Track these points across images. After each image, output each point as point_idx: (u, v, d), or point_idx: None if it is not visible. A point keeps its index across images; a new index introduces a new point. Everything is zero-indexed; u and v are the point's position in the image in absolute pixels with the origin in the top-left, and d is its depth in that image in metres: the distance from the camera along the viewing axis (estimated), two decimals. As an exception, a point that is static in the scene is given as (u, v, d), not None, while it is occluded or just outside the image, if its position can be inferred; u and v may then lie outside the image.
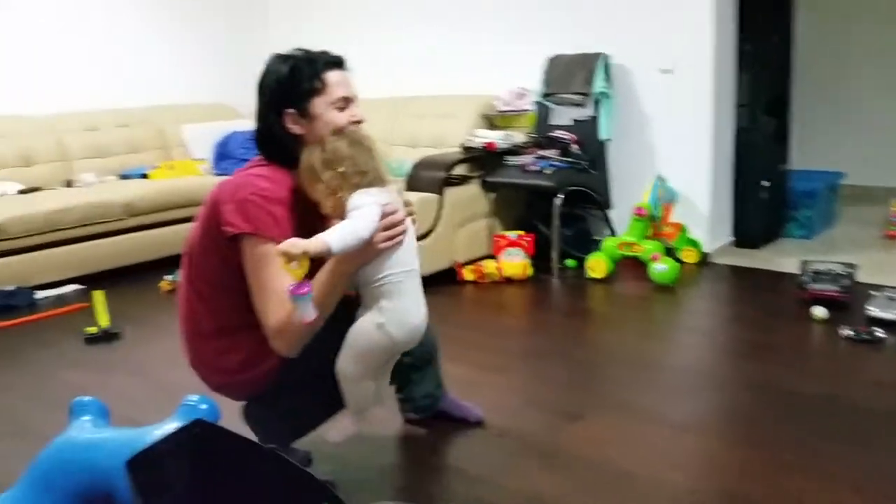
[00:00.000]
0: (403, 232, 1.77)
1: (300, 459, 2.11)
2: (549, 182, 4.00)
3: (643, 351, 2.96)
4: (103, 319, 3.37)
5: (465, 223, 4.15)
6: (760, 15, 5.00)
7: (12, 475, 2.04)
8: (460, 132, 4.52)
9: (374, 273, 1.76)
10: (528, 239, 4.11)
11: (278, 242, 1.64)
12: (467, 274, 4.01)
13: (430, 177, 4.03)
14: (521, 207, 4.48)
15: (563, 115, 4.32)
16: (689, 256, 4.14)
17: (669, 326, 3.33)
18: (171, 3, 5.63)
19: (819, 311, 3.16)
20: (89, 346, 3.27)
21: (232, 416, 2.01)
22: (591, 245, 4.34)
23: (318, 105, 1.83)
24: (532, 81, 4.52)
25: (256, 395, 1.95)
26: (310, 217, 1.81)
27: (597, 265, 3.93)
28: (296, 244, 1.58)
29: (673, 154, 4.22)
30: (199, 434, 1.41)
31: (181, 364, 2.97)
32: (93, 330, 3.33)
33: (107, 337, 3.33)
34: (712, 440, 2.23)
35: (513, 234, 4.13)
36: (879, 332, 2.89)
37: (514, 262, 4.02)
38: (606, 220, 4.36)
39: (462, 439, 2.29)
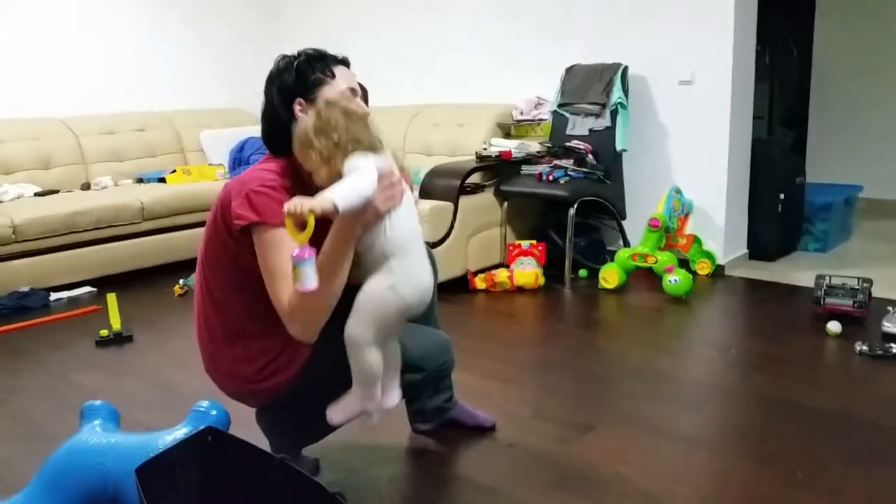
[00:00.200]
0: (402, 192, 1.75)
1: (309, 467, 2.11)
2: (563, 192, 3.99)
3: (655, 363, 2.94)
4: (116, 322, 3.39)
5: (479, 231, 4.15)
6: (780, 27, 4.99)
7: (24, 476, 2.05)
8: (476, 141, 4.53)
9: (378, 236, 1.74)
10: (541, 248, 4.11)
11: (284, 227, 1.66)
12: (479, 282, 4.00)
13: (444, 185, 4.03)
14: (534, 216, 4.47)
15: (580, 125, 4.31)
16: (703, 268, 4.11)
17: (682, 339, 3.31)
18: (191, 9, 5.67)
19: (834, 326, 3.13)
20: (101, 349, 3.29)
21: (242, 422, 2.02)
22: (605, 255, 4.33)
23: (326, 94, 1.84)
24: (549, 91, 4.52)
25: (271, 404, 1.95)
26: None
27: (610, 276, 3.92)
28: (302, 202, 1.54)
29: (689, 165, 4.21)
30: (210, 442, 1.41)
31: (192, 368, 2.99)
32: (105, 333, 3.35)
33: (119, 340, 3.34)
34: (724, 455, 2.21)
35: (526, 244, 4.12)
36: (895, 349, 2.86)
37: (527, 272, 4.01)
38: (620, 231, 4.34)
39: (472, 449, 2.28)
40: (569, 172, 4.09)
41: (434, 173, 4.12)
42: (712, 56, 4.02)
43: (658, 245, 3.91)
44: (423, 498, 2.08)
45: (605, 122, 4.22)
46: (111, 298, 3.43)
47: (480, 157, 4.19)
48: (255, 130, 5.58)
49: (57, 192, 4.55)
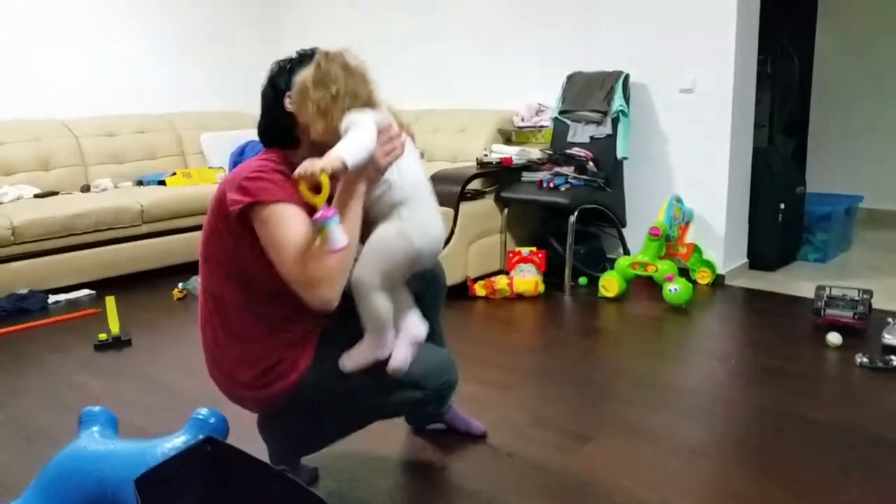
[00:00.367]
0: (402, 144, 1.76)
1: (308, 475, 2.11)
2: (564, 199, 3.99)
3: (655, 372, 2.94)
4: (114, 326, 3.38)
5: (479, 238, 4.14)
6: (781, 36, 5.00)
7: (22, 480, 2.04)
8: (476, 147, 4.53)
9: (384, 188, 1.75)
10: (541, 255, 4.10)
11: (282, 202, 1.68)
12: (479, 289, 3.99)
13: (444, 191, 4.01)
14: (535, 223, 4.47)
15: (581, 133, 4.31)
16: (703, 277, 4.11)
17: (682, 348, 3.30)
18: (192, 11, 5.67)
19: (834, 338, 3.13)
20: (100, 353, 3.28)
21: (242, 430, 2.01)
22: (605, 263, 4.33)
23: None
24: (550, 98, 4.52)
25: (271, 411, 1.95)
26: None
27: (610, 284, 3.91)
28: (312, 163, 1.55)
29: (689, 174, 4.21)
30: (209, 452, 1.40)
31: (190, 372, 2.99)
32: (103, 337, 3.34)
33: (117, 344, 3.33)
34: (723, 466, 2.21)
35: (526, 251, 4.12)
36: (895, 361, 2.86)
37: (527, 279, 4.01)
38: (620, 239, 4.34)
39: (470, 458, 2.28)
40: (569, 180, 4.09)
41: (434, 179, 4.08)
42: (714, 64, 4.02)
43: (658, 254, 3.91)
44: (422, 507, 2.08)
45: (606, 129, 4.22)
46: (110, 301, 3.41)
47: (481, 164, 4.19)
48: (255, 133, 5.59)
49: (56, 193, 4.54)
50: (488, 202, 4.21)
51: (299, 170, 1.56)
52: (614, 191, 4.22)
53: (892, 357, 2.88)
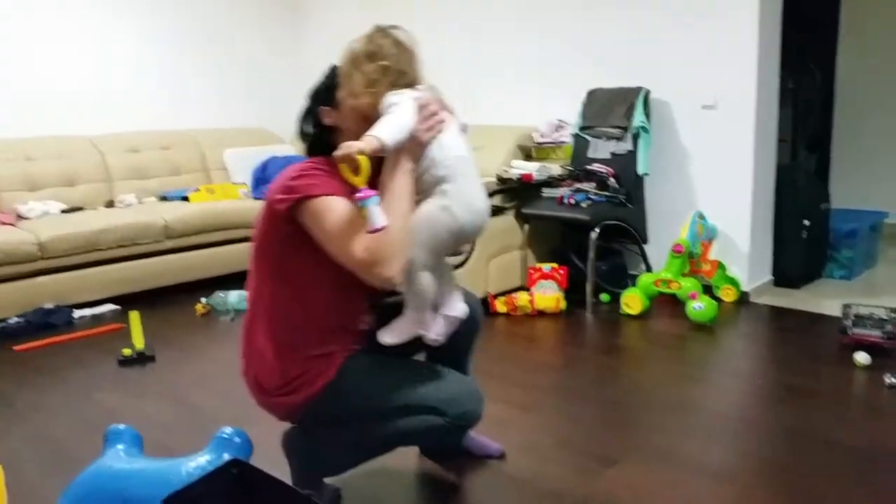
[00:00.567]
0: (442, 120, 1.78)
1: (330, 496, 2.10)
2: (585, 215, 3.97)
3: (679, 392, 2.91)
4: (138, 341, 3.41)
5: (499, 254, 4.14)
6: (803, 51, 4.96)
7: (45, 498, 2.06)
8: (496, 163, 4.52)
9: (427, 164, 1.77)
10: (562, 272, 4.09)
11: (329, 195, 1.71)
12: (499, 306, 3.98)
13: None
14: (555, 240, 4.45)
15: (602, 149, 4.30)
16: (728, 295, 4.07)
17: (706, 367, 3.27)
18: (217, 29, 5.74)
19: (861, 357, 3.09)
20: (124, 368, 3.31)
21: (266, 450, 2.01)
22: (627, 280, 4.30)
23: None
24: (570, 114, 4.52)
25: (293, 419, 1.97)
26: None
27: (632, 301, 3.89)
28: (350, 145, 1.61)
29: (712, 190, 4.18)
30: (235, 475, 1.40)
31: (213, 389, 3.01)
32: (127, 352, 3.36)
33: (141, 359, 3.36)
34: (750, 490, 2.17)
35: (546, 267, 4.10)
36: (925, 382, 2.82)
37: (548, 295, 3.99)
38: (642, 256, 4.32)
39: (492, 481, 2.26)
40: (590, 196, 4.08)
41: (455, 195, 4.11)
42: (736, 80, 4.00)
43: (682, 271, 3.88)
44: (445, 529, 2.06)
45: (626, 145, 4.21)
46: (134, 317, 3.45)
47: (501, 180, 4.19)
48: (279, 150, 5.68)
49: (82, 209, 4.60)
50: (508, 218, 4.20)
51: (338, 152, 1.62)
52: (635, 207, 4.20)
53: (922, 378, 2.84)
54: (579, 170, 4.27)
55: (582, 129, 4.39)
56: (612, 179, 4.14)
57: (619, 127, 4.23)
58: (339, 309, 1.90)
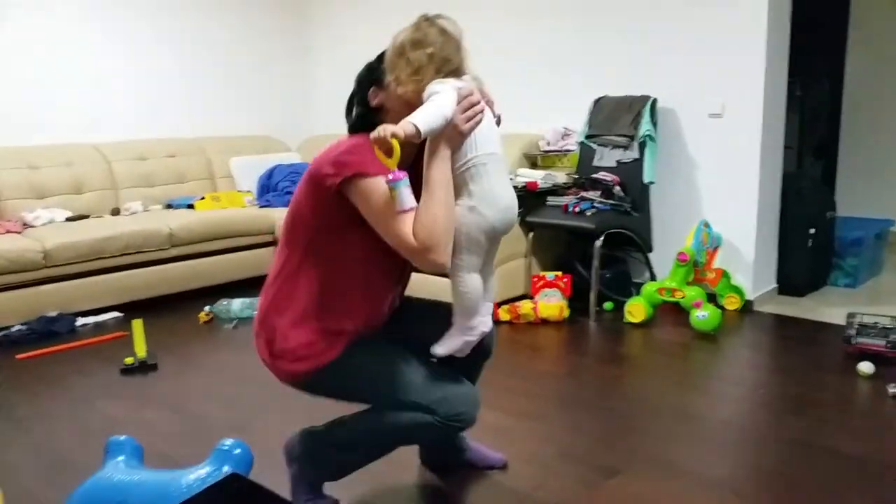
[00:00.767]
0: (482, 112, 1.80)
1: (330, 506, 2.09)
2: (590, 224, 3.96)
3: (682, 402, 2.90)
4: (140, 350, 3.41)
5: (503, 262, 4.13)
6: (812, 59, 4.95)
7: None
8: (501, 170, 4.52)
9: (460, 158, 1.79)
10: (566, 280, 4.08)
11: (382, 175, 1.72)
12: (503, 314, 3.98)
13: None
14: (560, 248, 4.45)
15: (607, 157, 4.30)
16: (732, 303, 4.06)
17: (710, 377, 3.25)
18: (223, 38, 5.76)
19: (865, 367, 3.07)
20: (126, 377, 3.31)
21: (266, 462, 2.01)
22: (631, 288, 4.29)
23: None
24: (576, 122, 4.51)
25: (294, 385, 1.97)
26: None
27: (636, 309, 3.88)
28: (385, 128, 1.64)
29: (718, 199, 4.17)
30: (235, 489, 1.40)
31: (215, 398, 3.01)
32: (130, 360, 3.37)
33: (143, 368, 3.36)
34: (754, 501, 2.16)
35: (551, 275, 4.10)
36: (931, 393, 2.80)
37: (551, 304, 3.98)
38: (647, 264, 4.31)
39: (494, 493, 2.25)
40: (595, 204, 4.07)
41: (459, 204, 4.11)
42: (743, 89, 3.99)
43: (686, 279, 3.87)
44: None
45: (633, 153, 4.20)
46: (137, 325, 3.45)
47: (508, 187, 4.18)
48: (284, 157, 5.69)
49: (87, 216, 4.61)
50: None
51: (374, 133, 1.66)
52: (641, 215, 4.19)
53: (928, 389, 2.82)
54: (585, 178, 4.26)
55: (588, 137, 4.39)
56: (617, 188, 4.13)
57: (625, 135, 4.22)
58: (366, 289, 1.92)
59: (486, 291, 1.94)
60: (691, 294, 3.76)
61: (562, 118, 4.65)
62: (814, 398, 2.89)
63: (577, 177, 4.33)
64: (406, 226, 1.72)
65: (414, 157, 1.87)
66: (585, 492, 2.21)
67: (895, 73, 5.70)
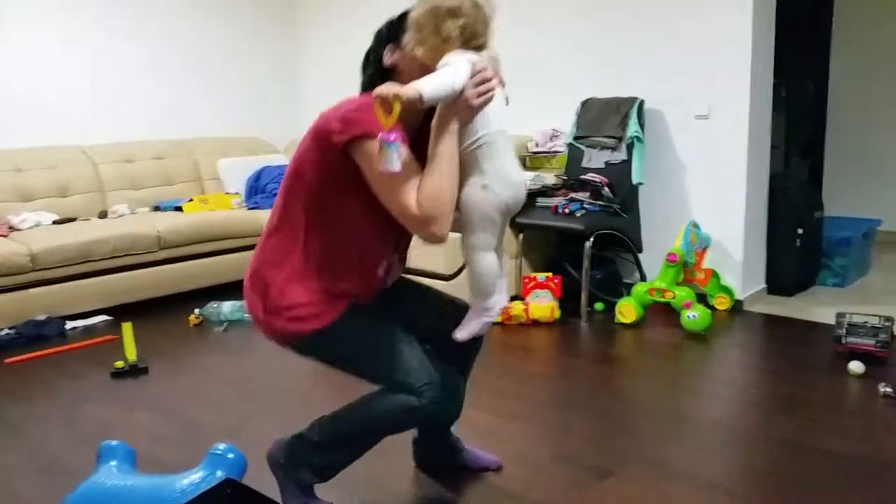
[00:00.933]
0: (493, 89, 1.78)
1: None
2: (579, 225, 3.97)
3: (674, 403, 2.91)
4: (131, 353, 3.39)
5: (494, 264, 4.12)
6: (797, 59, 4.98)
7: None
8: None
9: (470, 134, 1.78)
10: (557, 281, 4.08)
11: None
12: (495, 315, 3.97)
13: (458, 217, 4.01)
14: (550, 249, 4.45)
15: (596, 158, 4.31)
16: (722, 303, 4.08)
17: (701, 377, 3.27)
18: (211, 39, 5.73)
19: (855, 366, 3.09)
20: (116, 380, 3.29)
21: (261, 466, 2.00)
22: (621, 289, 4.30)
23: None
24: (564, 123, 4.52)
25: (280, 343, 1.96)
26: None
27: (627, 310, 3.89)
28: (390, 87, 1.63)
29: (706, 199, 4.19)
30: (229, 495, 1.39)
31: (206, 401, 3.00)
32: (120, 364, 3.35)
33: (134, 371, 3.34)
34: (746, 501, 2.17)
35: (541, 276, 4.10)
36: (919, 392, 2.82)
37: (542, 305, 3.99)
38: (637, 264, 4.32)
39: (486, 494, 2.25)
40: (585, 205, 4.08)
41: (450, 205, 4.11)
42: (729, 90, 4.02)
43: (676, 280, 3.88)
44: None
45: (621, 155, 4.22)
46: (126, 328, 3.43)
47: (497, 189, 4.18)
48: (273, 159, 5.66)
49: (74, 220, 4.58)
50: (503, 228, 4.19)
51: (378, 90, 1.63)
52: (630, 216, 4.21)
53: (916, 387, 2.84)
54: (574, 179, 4.27)
55: (576, 138, 4.40)
56: (606, 189, 4.14)
57: (613, 137, 4.23)
58: (367, 248, 1.92)
59: (500, 269, 1.94)
60: (681, 294, 3.78)
61: (550, 119, 4.65)
62: (805, 398, 2.91)
63: (565, 178, 4.34)
64: (409, 195, 1.71)
65: (420, 127, 1.87)
66: (577, 493, 2.22)
67: (880, 73, 5.75)
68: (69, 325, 4.01)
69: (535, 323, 3.96)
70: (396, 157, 1.65)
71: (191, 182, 5.33)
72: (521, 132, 4.73)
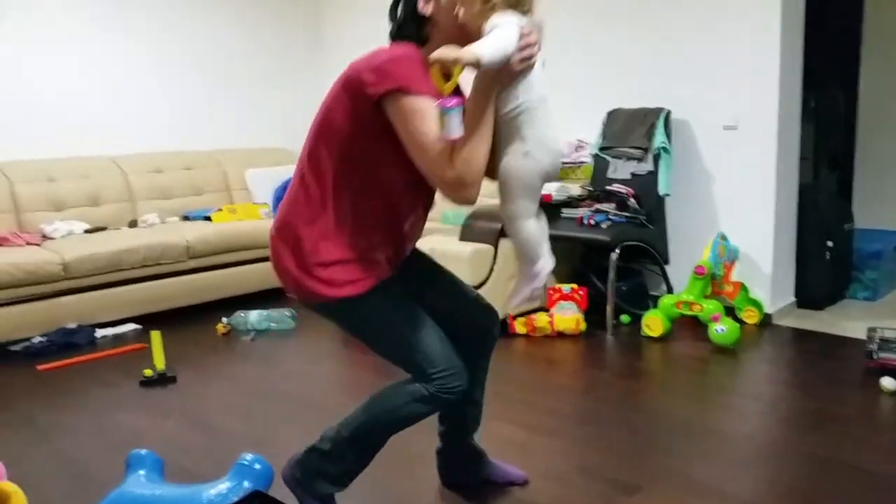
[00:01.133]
0: (535, 53, 1.76)
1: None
2: (605, 236, 3.96)
3: (702, 417, 2.88)
4: (159, 362, 3.43)
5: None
6: (826, 69, 4.93)
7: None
8: (516, 183, 4.52)
9: (511, 101, 1.76)
10: (582, 293, 4.07)
11: (427, 95, 1.67)
12: (519, 327, 3.97)
13: (484, 228, 4.03)
14: (575, 260, 4.44)
15: (622, 169, 4.29)
16: (751, 317, 4.03)
17: (729, 392, 3.23)
18: (238, 50, 5.80)
19: (888, 382, 3.04)
20: (145, 389, 3.33)
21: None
22: (647, 301, 4.27)
23: None
24: (590, 134, 4.51)
25: (309, 304, 1.92)
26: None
27: (653, 323, 3.86)
28: (450, 51, 1.58)
29: (734, 211, 4.15)
30: (256, 507, 1.40)
31: (233, 411, 3.02)
32: (149, 373, 3.38)
33: (162, 380, 3.38)
34: (775, 520, 2.14)
35: (566, 288, 4.09)
36: (954, 409, 2.77)
37: (567, 317, 3.97)
38: (664, 276, 4.29)
39: (514, 506, 2.24)
40: (610, 216, 4.06)
41: (474, 216, 4.12)
42: (758, 100, 3.99)
43: (704, 292, 3.85)
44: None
45: (647, 165, 4.20)
46: (155, 337, 3.47)
47: (522, 201, 4.17)
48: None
49: (105, 229, 4.65)
50: (529, 239, 4.18)
51: (436, 53, 1.59)
52: (656, 227, 4.18)
53: (950, 404, 2.79)
54: (599, 190, 4.26)
55: (602, 149, 4.39)
56: (632, 200, 4.13)
57: (639, 147, 4.21)
58: (396, 200, 1.87)
59: (543, 232, 1.94)
60: (709, 307, 3.74)
61: (576, 130, 4.64)
62: (835, 413, 2.87)
63: (591, 189, 4.33)
64: (443, 154, 1.67)
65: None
66: (605, 508, 2.20)
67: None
68: (99, 333, 4.06)
69: (561, 335, 3.94)
70: (458, 122, 1.62)
71: (219, 192, 5.39)
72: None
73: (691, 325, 3.94)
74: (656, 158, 4.16)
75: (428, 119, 1.68)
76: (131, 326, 4.21)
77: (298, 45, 6.21)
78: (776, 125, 3.96)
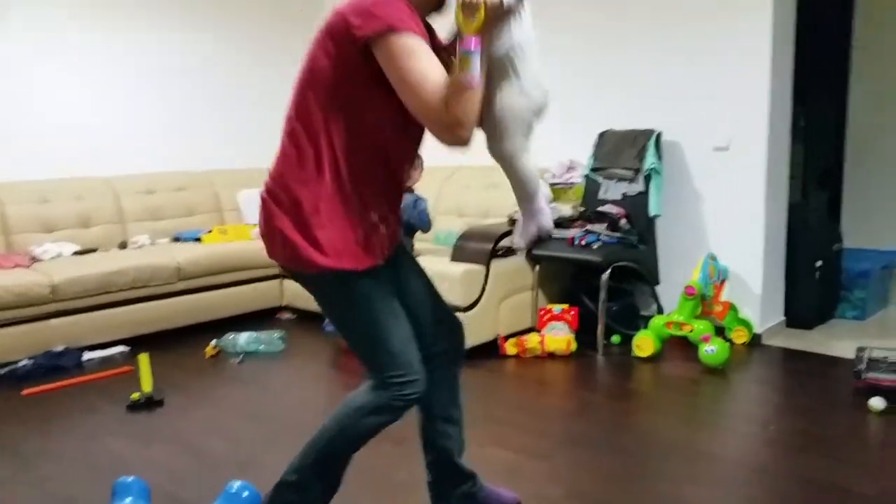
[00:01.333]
0: None
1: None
2: (596, 257, 3.96)
3: (692, 440, 2.87)
4: (147, 385, 3.40)
5: (510, 295, 4.13)
6: (814, 88, 4.97)
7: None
8: (508, 203, 4.51)
9: (504, 40, 1.76)
10: (573, 313, 4.07)
11: (416, 34, 1.65)
12: (510, 348, 3.96)
13: (476, 248, 4.03)
14: (566, 281, 4.44)
15: (613, 190, 4.31)
16: (740, 337, 4.04)
17: (719, 414, 3.23)
18: (230, 71, 5.82)
19: (877, 403, 3.05)
20: (132, 413, 3.30)
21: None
22: (638, 321, 4.27)
23: None
24: (581, 154, 4.53)
25: (291, 268, 1.87)
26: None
27: (644, 343, 3.86)
28: None
29: (724, 231, 4.17)
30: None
31: (220, 435, 3.00)
32: (136, 396, 3.36)
33: (149, 404, 3.35)
34: (765, 544, 2.13)
35: (557, 308, 4.09)
36: (943, 430, 2.77)
37: (558, 337, 3.97)
38: (654, 297, 4.29)
39: (503, 531, 2.22)
40: (601, 237, 4.07)
41: (466, 236, 4.13)
42: (748, 122, 4.02)
43: (694, 313, 3.85)
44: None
45: (638, 186, 4.21)
46: (143, 359, 3.44)
47: (512, 221, 4.19)
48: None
49: (95, 250, 4.63)
50: (519, 259, 4.20)
51: None
52: (647, 248, 4.19)
53: (940, 425, 2.79)
54: (591, 211, 4.27)
55: (593, 170, 4.40)
56: (623, 220, 4.14)
57: (630, 168, 4.23)
58: (389, 147, 1.83)
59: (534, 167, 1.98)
60: (699, 328, 3.75)
61: (567, 151, 4.66)
62: (824, 434, 2.87)
63: (582, 209, 4.34)
64: (436, 95, 1.62)
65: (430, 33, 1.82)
66: (595, 533, 2.19)
67: (899, 104, 5.71)
68: (86, 355, 4.03)
69: (551, 356, 3.94)
70: (478, 65, 1.61)
71: (211, 213, 5.38)
72: (537, 163, 4.74)
73: (681, 346, 3.94)
74: (647, 179, 4.18)
75: (419, 58, 1.64)
76: (119, 349, 4.18)
77: (291, 65, 6.20)
78: (766, 146, 3.99)
